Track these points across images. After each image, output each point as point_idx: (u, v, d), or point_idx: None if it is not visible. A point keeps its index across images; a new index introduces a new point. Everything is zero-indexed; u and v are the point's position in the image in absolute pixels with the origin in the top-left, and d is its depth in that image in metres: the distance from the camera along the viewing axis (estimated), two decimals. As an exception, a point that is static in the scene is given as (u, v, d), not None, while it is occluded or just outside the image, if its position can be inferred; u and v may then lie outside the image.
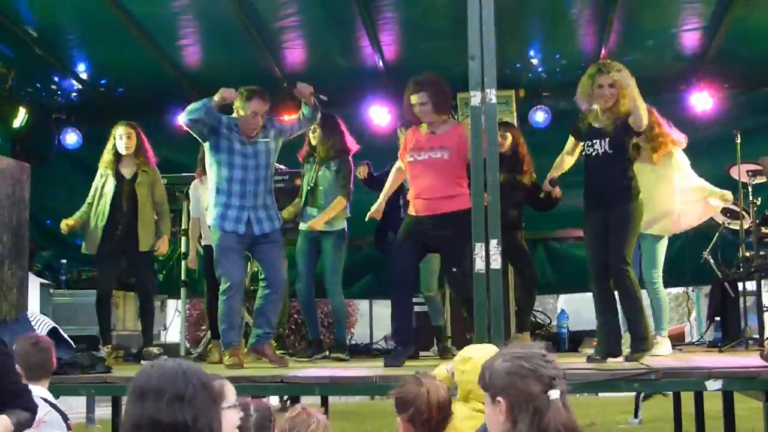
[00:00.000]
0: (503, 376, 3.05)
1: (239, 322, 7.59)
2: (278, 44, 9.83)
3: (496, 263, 5.70)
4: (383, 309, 11.91)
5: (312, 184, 8.42)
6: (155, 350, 8.24)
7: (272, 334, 7.58)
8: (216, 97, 7.21)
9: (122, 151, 8.48)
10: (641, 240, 7.63)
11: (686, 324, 17.50)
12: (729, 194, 8.12)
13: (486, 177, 5.82)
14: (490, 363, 3.14)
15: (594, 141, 6.86)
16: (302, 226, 8.44)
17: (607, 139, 6.79)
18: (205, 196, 8.08)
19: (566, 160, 7.30)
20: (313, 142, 8.50)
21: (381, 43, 9.75)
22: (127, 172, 8.54)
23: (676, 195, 7.81)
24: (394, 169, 7.77)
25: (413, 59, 10.15)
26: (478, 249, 5.71)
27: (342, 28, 9.57)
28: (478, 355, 4.37)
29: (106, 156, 8.54)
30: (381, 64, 10.15)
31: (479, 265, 5.72)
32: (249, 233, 7.29)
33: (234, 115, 7.41)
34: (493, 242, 5.70)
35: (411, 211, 7.20)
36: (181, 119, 7.33)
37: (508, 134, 8.60)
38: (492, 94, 5.80)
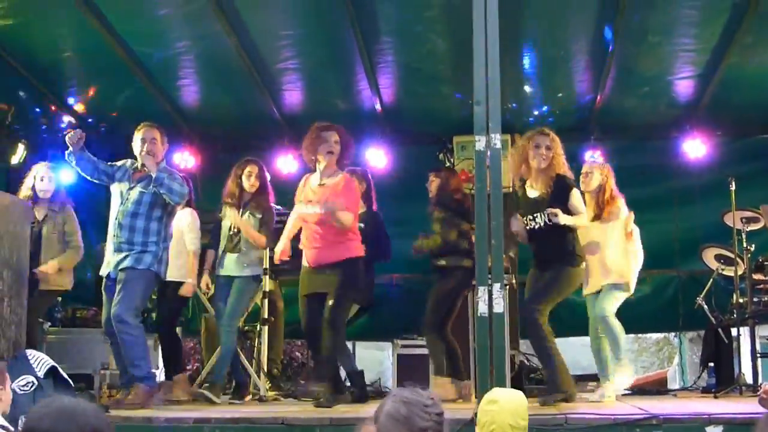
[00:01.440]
0: (386, 417, 3.10)
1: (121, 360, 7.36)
2: (278, 86, 9.92)
3: (499, 307, 5.71)
4: (365, 351, 11.93)
5: (235, 230, 8.37)
6: None
7: (135, 377, 7.27)
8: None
9: (40, 193, 8.40)
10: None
11: (668, 369, 17.51)
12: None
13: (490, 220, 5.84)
14: (384, 402, 3.19)
15: (535, 215, 7.17)
16: (221, 272, 8.38)
17: (545, 214, 7.10)
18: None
19: None
20: (248, 189, 8.42)
21: (380, 86, 9.85)
22: (39, 213, 8.39)
23: (626, 252, 7.91)
24: None
25: (411, 103, 10.26)
26: (482, 293, 5.73)
27: (342, 71, 9.65)
28: (504, 397, 4.38)
29: (25, 193, 8.38)
30: (379, 106, 10.23)
31: (482, 308, 5.73)
32: (109, 275, 7.36)
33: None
34: (496, 286, 5.72)
35: None
36: None
37: (436, 178, 8.65)
38: (497, 139, 5.84)
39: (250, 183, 8.40)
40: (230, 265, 8.32)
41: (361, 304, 8.69)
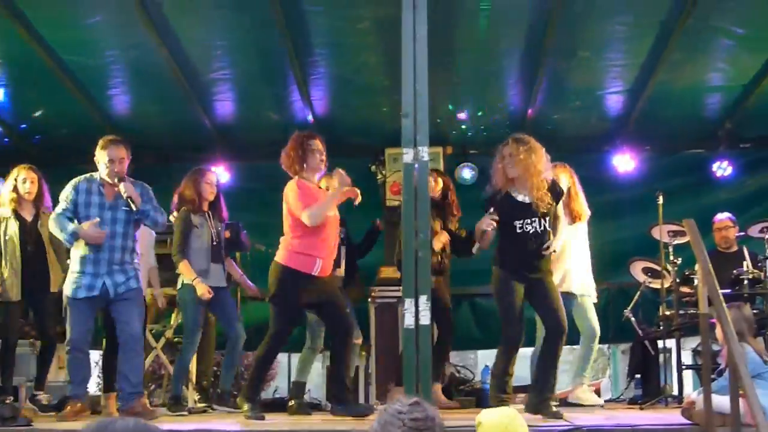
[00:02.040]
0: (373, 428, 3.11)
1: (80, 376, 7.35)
2: (210, 96, 9.88)
3: (426, 319, 5.71)
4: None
5: (216, 240, 8.29)
6: (44, 398, 8.13)
7: (136, 393, 7.18)
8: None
9: (24, 195, 8.31)
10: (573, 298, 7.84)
11: (602, 380, 17.68)
12: None
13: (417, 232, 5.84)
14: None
15: (532, 219, 6.89)
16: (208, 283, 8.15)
17: (547, 219, 6.92)
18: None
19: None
20: (210, 198, 8.34)
21: (312, 97, 9.85)
22: (27, 214, 8.36)
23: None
24: None
25: (343, 114, 10.27)
26: (408, 304, 5.72)
27: (274, 82, 9.64)
28: (486, 418, 4.39)
29: (9, 196, 8.30)
30: (311, 118, 10.23)
31: (408, 320, 5.72)
32: (104, 296, 7.13)
33: (99, 171, 7.28)
34: (423, 298, 5.72)
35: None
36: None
37: (440, 179, 8.69)
38: (424, 152, 5.84)
39: (210, 191, 8.32)
40: (218, 276, 8.27)
41: None
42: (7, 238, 8.23)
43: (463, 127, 10.67)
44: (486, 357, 10.89)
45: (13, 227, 8.25)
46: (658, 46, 8.79)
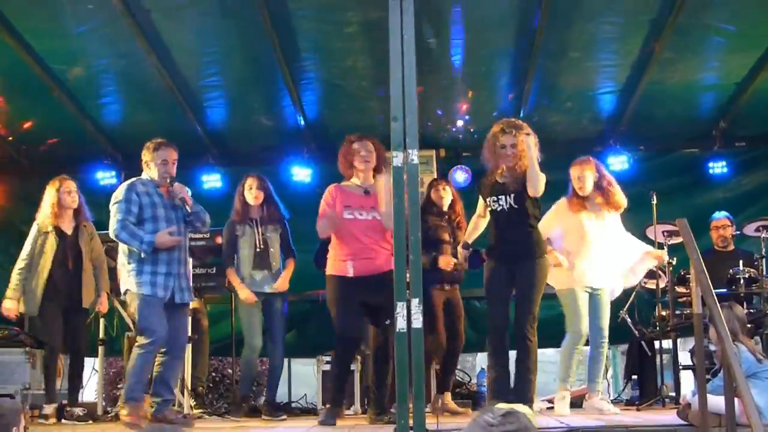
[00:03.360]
0: None
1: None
2: (200, 103, 9.87)
3: (418, 322, 5.67)
4: (302, 367, 11.78)
5: (262, 246, 8.35)
6: (79, 411, 8.04)
7: (171, 401, 7.19)
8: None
9: (68, 205, 8.30)
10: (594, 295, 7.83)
11: (585, 387, 17.67)
12: (662, 255, 8.27)
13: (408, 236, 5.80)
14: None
15: (499, 197, 7.09)
16: (254, 289, 8.28)
17: (512, 195, 7.04)
18: None
19: (479, 223, 7.51)
20: (254, 203, 8.43)
21: (303, 102, 9.84)
22: (67, 227, 8.33)
23: (624, 250, 7.96)
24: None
25: (334, 119, 10.23)
26: (400, 308, 5.68)
27: (264, 88, 9.62)
28: None
29: (48, 210, 8.24)
30: (303, 123, 10.20)
31: (401, 324, 5.68)
32: (171, 298, 6.97)
33: (145, 174, 7.18)
34: (415, 301, 5.68)
35: None
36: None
37: (449, 188, 8.74)
38: (414, 155, 5.80)
39: (252, 195, 8.44)
40: (264, 283, 8.36)
41: None
42: (43, 250, 8.22)
43: (455, 129, 10.64)
44: (483, 360, 10.80)
45: (52, 241, 8.23)
46: (648, 45, 8.75)
